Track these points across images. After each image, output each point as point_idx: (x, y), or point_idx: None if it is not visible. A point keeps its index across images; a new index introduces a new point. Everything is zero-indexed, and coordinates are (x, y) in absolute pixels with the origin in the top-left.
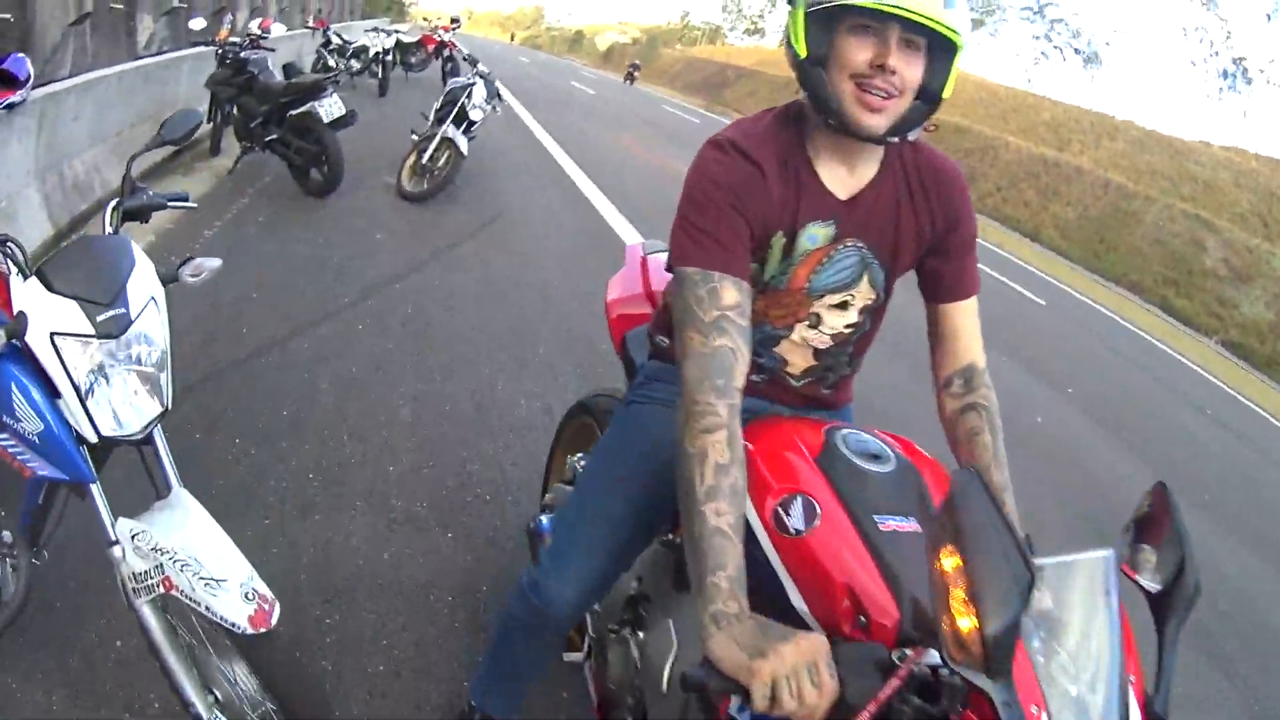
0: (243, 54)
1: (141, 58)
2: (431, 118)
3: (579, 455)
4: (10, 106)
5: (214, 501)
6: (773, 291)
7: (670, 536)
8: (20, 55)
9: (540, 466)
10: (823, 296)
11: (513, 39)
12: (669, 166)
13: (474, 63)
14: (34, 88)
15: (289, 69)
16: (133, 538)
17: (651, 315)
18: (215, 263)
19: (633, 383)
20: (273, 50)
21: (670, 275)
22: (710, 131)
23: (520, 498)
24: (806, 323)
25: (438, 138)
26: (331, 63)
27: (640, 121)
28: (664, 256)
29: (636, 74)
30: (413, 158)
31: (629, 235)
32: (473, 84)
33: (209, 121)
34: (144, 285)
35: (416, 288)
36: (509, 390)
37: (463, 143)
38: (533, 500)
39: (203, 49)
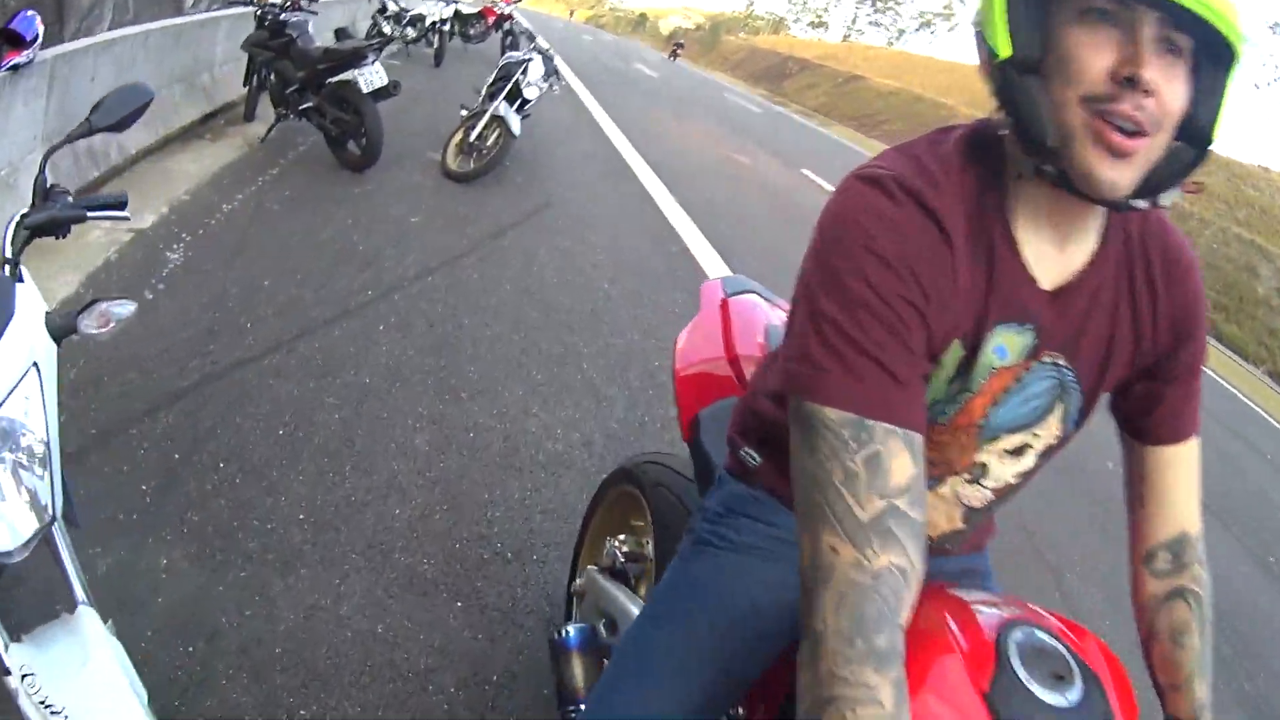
0: (282, 16)
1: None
2: (483, 93)
3: (621, 538)
4: (15, 68)
5: (185, 542)
6: (928, 425)
7: (739, 711)
8: (29, 14)
9: (575, 516)
10: (997, 439)
11: (571, 15)
12: (733, 160)
13: (533, 38)
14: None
15: (341, 34)
16: (23, 678)
17: (735, 382)
18: (127, 309)
19: (704, 499)
20: (315, 14)
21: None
22: (773, 122)
23: (547, 557)
24: (965, 475)
25: (488, 114)
26: (386, 29)
27: (703, 110)
28: (752, 301)
29: (680, 51)
30: (460, 134)
31: (690, 235)
32: (529, 59)
33: (245, 85)
34: (21, 348)
35: (450, 283)
36: (545, 416)
37: (515, 122)
38: (562, 561)
39: (244, 9)
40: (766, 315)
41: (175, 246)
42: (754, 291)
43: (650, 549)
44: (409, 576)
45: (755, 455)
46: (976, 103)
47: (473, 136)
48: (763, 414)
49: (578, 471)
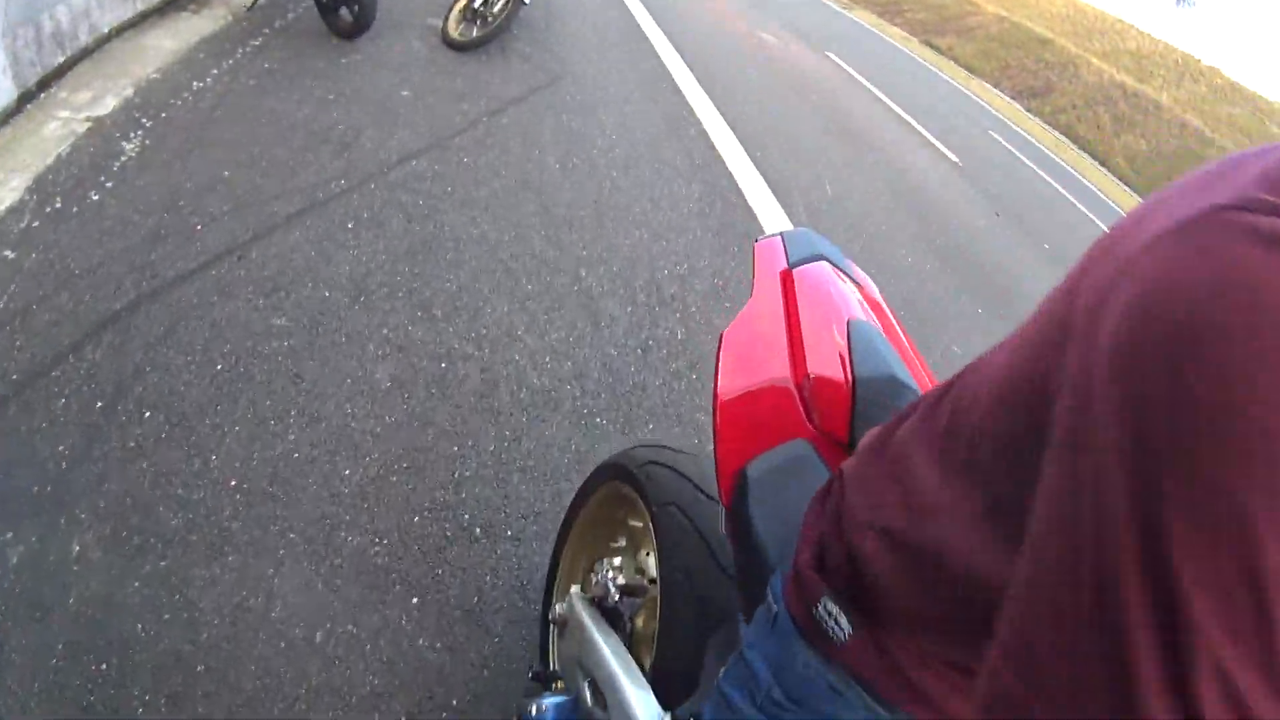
0: None
1: None
2: None
3: (616, 563)
4: None
5: (100, 521)
6: None
7: None
8: None
9: (559, 477)
10: None
11: None
12: (756, 39)
13: None
14: None
15: None
16: None
17: (802, 415)
18: None
19: (747, 635)
20: None
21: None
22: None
23: (523, 533)
24: None
25: None
26: None
27: None
28: (822, 275)
29: None
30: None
31: (710, 118)
32: None
33: None
34: None
35: (436, 170)
36: (531, 341)
37: None
38: (541, 539)
39: None
40: (846, 303)
41: (133, 135)
42: (823, 256)
43: (651, 568)
44: (356, 563)
45: (843, 622)
46: (1002, 1)
47: (478, 2)
48: (864, 559)
49: (565, 414)
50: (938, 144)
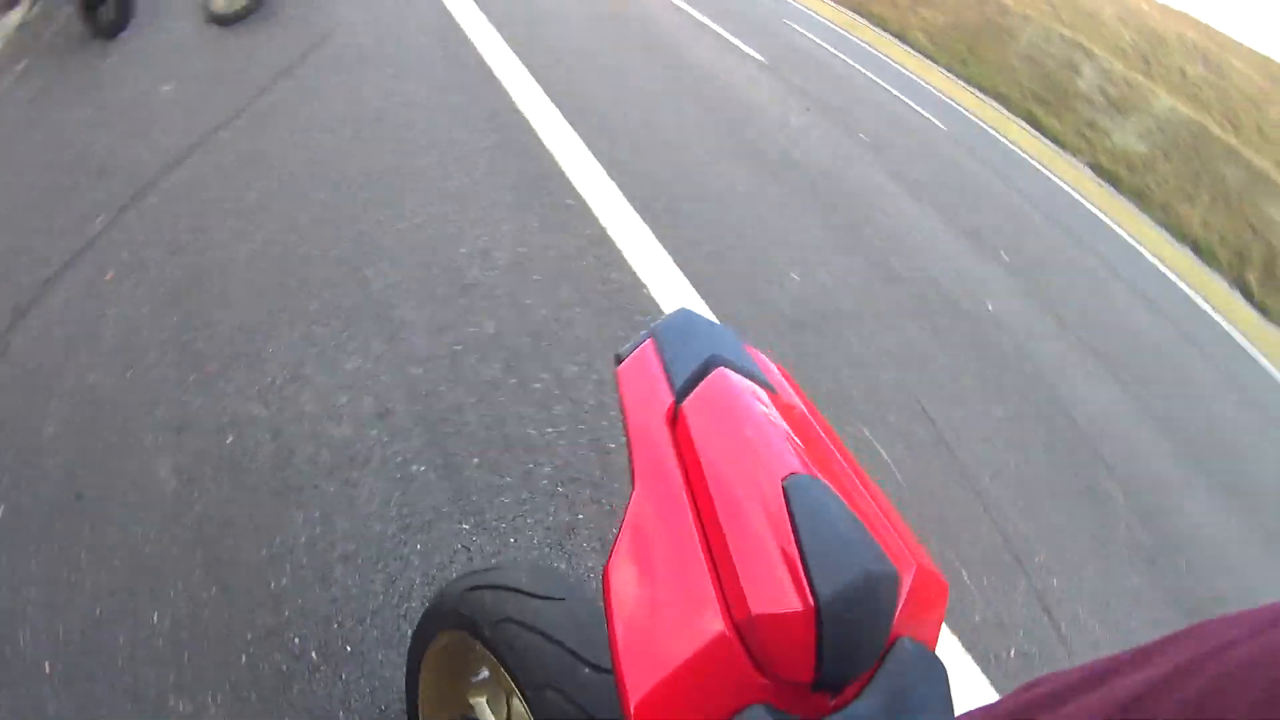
0: None
1: None
2: None
3: None
4: None
5: None
6: None
7: None
8: None
9: (389, 556)
10: None
11: None
12: None
13: None
14: None
15: None
16: None
17: (749, 661)
18: None
19: None
20: None
21: None
22: None
23: (364, 644)
24: None
25: None
26: None
27: None
28: (733, 399)
29: None
30: None
31: (494, 49)
32: None
33: None
34: None
35: (200, 176)
36: (322, 379)
37: None
38: (388, 646)
39: None
40: (770, 444)
41: None
42: (716, 358)
43: (525, 713)
44: None
45: None
46: None
47: None
48: None
49: (376, 469)
50: (737, 42)
